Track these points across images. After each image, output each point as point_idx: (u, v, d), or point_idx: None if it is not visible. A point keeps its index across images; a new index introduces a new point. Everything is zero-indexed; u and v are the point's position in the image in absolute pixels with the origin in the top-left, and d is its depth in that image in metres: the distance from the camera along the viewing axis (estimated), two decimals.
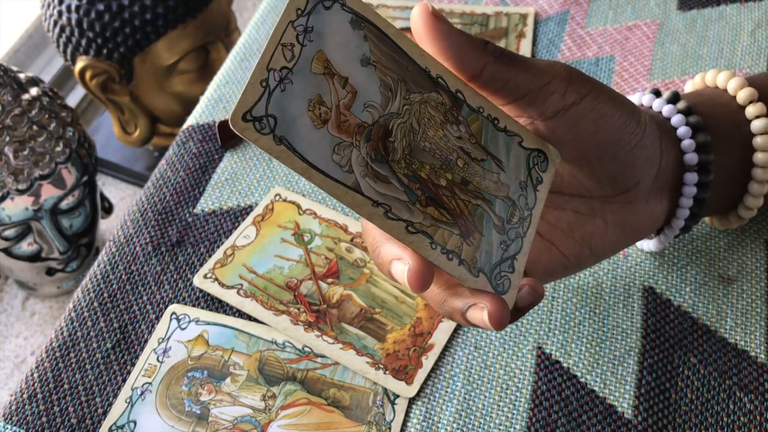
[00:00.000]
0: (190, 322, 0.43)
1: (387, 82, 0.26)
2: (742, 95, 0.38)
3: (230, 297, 0.43)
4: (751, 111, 0.38)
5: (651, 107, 0.38)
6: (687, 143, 0.36)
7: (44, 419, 0.40)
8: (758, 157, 0.38)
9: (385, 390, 0.40)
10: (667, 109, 0.37)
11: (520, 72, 0.29)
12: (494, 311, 0.28)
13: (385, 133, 0.26)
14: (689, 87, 0.42)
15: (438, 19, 0.27)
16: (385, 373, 0.40)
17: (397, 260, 0.28)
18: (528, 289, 0.30)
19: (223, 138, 0.51)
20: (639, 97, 0.39)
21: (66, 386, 0.41)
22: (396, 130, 0.27)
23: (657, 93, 0.39)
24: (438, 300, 0.30)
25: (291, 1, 0.25)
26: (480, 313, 0.28)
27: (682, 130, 0.36)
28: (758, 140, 0.38)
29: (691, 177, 0.36)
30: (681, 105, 0.37)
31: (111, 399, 0.41)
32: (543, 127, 0.31)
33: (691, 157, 0.36)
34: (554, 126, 0.30)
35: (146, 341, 0.42)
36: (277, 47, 0.24)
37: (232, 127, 0.23)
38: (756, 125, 0.38)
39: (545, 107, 0.30)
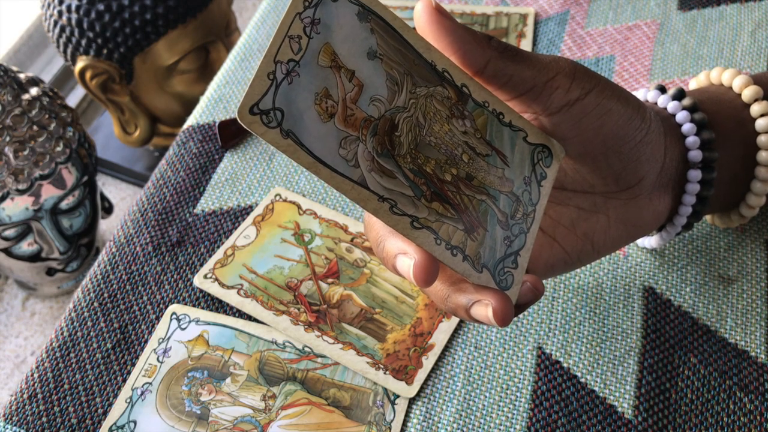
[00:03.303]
0: (190, 322, 0.43)
1: (393, 75, 0.26)
2: (747, 93, 0.38)
3: (230, 297, 0.43)
4: (755, 109, 0.38)
5: (656, 103, 0.38)
6: (691, 140, 0.36)
7: (44, 419, 0.40)
8: (762, 155, 0.38)
9: (385, 390, 0.40)
10: (672, 106, 0.37)
11: (524, 67, 0.29)
12: (498, 308, 0.28)
13: (391, 127, 0.26)
14: (693, 84, 0.42)
15: (441, 14, 0.27)
16: (385, 373, 0.40)
17: (403, 254, 0.28)
18: (529, 286, 0.30)
19: (224, 138, 0.51)
20: (644, 93, 0.39)
21: (66, 386, 0.41)
22: (402, 124, 0.26)
23: (662, 89, 0.39)
24: (441, 296, 0.30)
25: None
26: (484, 309, 0.28)
27: (687, 127, 0.36)
28: (762, 139, 0.38)
29: (695, 174, 0.36)
30: (686, 102, 0.37)
31: (111, 399, 0.41)
32: (547, 123, 0.31)
33: (696, 154, 0.36)
34: (559, 121, 0.30)
35: (146, 341, 0.42)
36: (285, 39, 0.24)
37: (239, 120, 0.23)
38: (760, 123, 0.38)
39: (549, 102, 0.30)
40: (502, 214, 0.29)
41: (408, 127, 0.27)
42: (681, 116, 0.37)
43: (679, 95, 0.38)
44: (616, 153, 0.32)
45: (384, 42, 0.26)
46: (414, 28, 0.28)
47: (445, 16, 0.27)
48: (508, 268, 0.29)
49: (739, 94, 0.39)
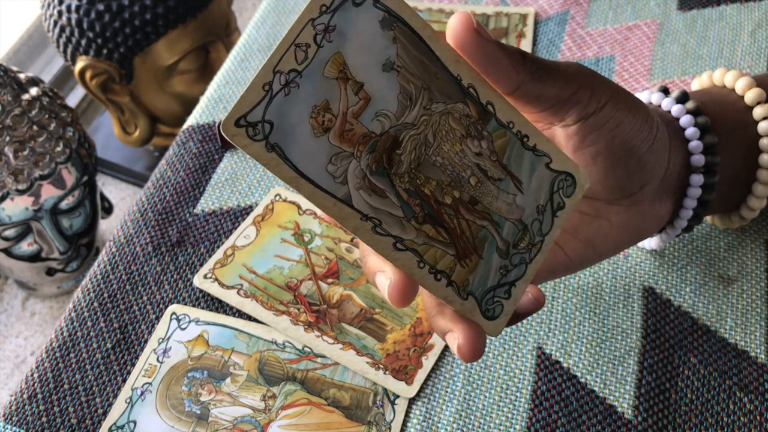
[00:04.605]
0: (190, 322, 0.43)
1: (408, 89, 0.25)
2: (750, 96, 0.38)
3: (230, 297, 0.43)
4: (758, 112, 0.38)
5: (659, 106, 0.38)
6: (694, 144, 0.36)
7: (44, 419, 0.40)
8: (764, 158, 0.38)
9: (385, 390, 0.40)
10: (676, 109, 0.37)
11: (551, 85, 0.28)
12: (464, 345, 0.27)
13: (394, 144, 0.25)
14: (696, 85, 0.42)
15: (481, 36, 0.26)
16: (385, 373, 0.40)
17: (381, 273, 0.27)
18: (530, 298, 0.30)
19: (224, 138, 0.51)
20: (648, 95, 0.39)
21: (66, 386, 0.41)
22: (407, 142, 0.25)
23: (665, 91, 0.39)
24: (429, 312, 0.29)
25: None
26: (453, 342, 0.27)
27: (690, 131, 0.36)
28: (764, 141, 0.38)
29: (697, 179, 0.36)
30: (690, 105, 0.37)
31: (111, 399, 0.41)
32: (561, 134, 0.31)
33: (698, 159, 0.36)
34: (572, 133, 0.30)
35: (146, 341, 0.42)
36: (290, 47, 0.23)
37: (222, 132, 0.22)
38: (763, 127, 0.38)
39: (566, 116, 0.30)
40: (503, 242, 0.27)
41: (413, 145, 0.25)
42: (684, 120, 0.37)
43: (683, 98, 0.38)
44: (624, 164, 0.32)
45: (406, 52, 0.25)
46: (443, 38, 0.26)
47: (484, 40, 0.26)
48: (499, 298, 0.27)
49: (742, 96, 0.39)
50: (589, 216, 0.34)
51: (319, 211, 0.47)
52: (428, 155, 0.26)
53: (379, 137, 0.25)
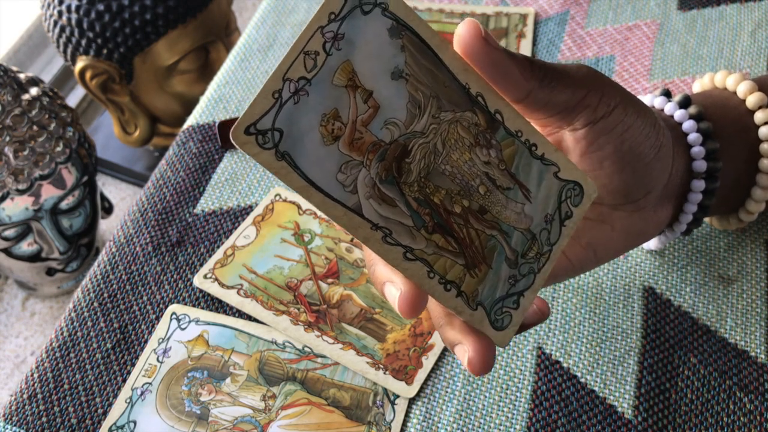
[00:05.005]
0: (190, 322, 0.43)
1: (417, 98, 0.25)
2: (752, 100, 0.38)
3: (230, 297, 0.43)
4: (759, 117, 0.38)
5: (662, 110, 0.38)
6: (697, 150, 0.36)
7: (44, 419, 0.40)
8: (764, 163, 0.38)
9: (385, 390, 0.40)
10: (679, 114, 0.37)
11: (560, 91, 0.28)
12: (474, 358, 0.27)
13: (403, 152, 0.25)
14: (697, 87, 0.42)
15: (489, 44, 0.26)
16: (385, 373, 0.40)
17: (390, 283, 0.27)
18: (536, 309, 0.30)
19: (223, 138, 0.51)
20: (650, 99, 0.39)
21: (66, 386, 0.41)
22: (416, 150, 0.25)
23: (667, 94, 0.39)
24: (437, 322, 0.29)
25: (324, 4, 0.23)
26: (463, 355, 0.27)
27: (693, 137, 0.36)
28: (765, 146, 0.38)
29: (698, 184, 0.36)
30: (692, 110, 0.37)
31: (111, 399, 0.41)
32: (570, 138, 0.30)
33: (700, 165, 0.36)
34: (581, 137, 0.30)
35: (146, 341, 0.42)
36: (299, 55, 0.23)
37: (232, 140, 0.22)
38: (764, 132, 0.37)
39: (576, 119, 0.30)
40: (512, 251, 0.27)
41: (422, 153, 0.25)
42: (687, 125, 0.36)
43: (686, 102, 0.37)
44: (631, 168, 0.32)
45: (414, 61, 0.25)
46: (451, 47, 0.26)
47: (492, 47, 0.26)
48: (507, 308, 0.27)
49: (744, 100, 0.39)
50: (593, 221, 0.34)
51: (326, 217, 0.47)
52: (437, 164, 0.26)
53: (388, 146, 0.24)
